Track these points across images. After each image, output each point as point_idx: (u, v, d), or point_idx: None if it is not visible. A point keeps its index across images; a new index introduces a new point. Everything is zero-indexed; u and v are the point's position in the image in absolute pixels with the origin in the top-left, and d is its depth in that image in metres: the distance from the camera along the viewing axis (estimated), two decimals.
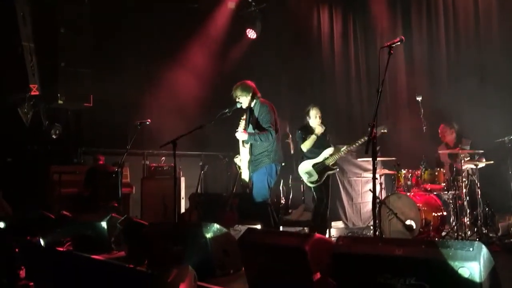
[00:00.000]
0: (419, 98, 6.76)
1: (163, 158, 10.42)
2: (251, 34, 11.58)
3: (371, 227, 6.69)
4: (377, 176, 6.98)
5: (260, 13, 11.45)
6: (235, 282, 3.97)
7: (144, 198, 9.72)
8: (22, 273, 5.88)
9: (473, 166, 6.58)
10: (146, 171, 10.68)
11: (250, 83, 5.93)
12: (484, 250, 2.49)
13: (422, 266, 2.61)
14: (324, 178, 6.65)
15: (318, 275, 3.19)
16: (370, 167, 5.74)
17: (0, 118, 8.90)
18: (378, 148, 5.60)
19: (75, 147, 10.28)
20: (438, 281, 2.55)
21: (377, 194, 5.99)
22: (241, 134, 5.77)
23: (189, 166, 10.73)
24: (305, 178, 6.83)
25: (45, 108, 9.49)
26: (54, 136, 9.53)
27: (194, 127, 5.78)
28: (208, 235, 4.09)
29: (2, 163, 8.93)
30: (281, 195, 9.84)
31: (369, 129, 4.10)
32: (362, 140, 6.25)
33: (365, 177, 8.95)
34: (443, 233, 6.66)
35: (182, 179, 10.11)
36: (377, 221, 6.26)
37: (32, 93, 8.98)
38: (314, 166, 6.68)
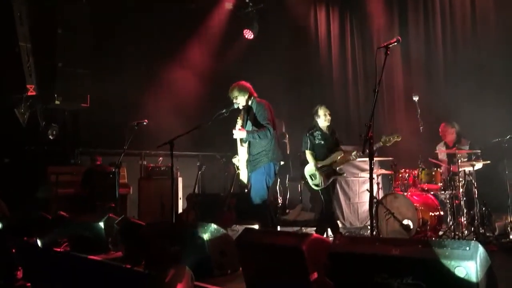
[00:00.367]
0: (416, 98, 6.77)
1: (160, 158, 10.40)
2: (249, 34, 11.57)
3: (368, 227, 6.69)
4: (374, 176, 7.02)
5: (257, 14, 11.44)
6: (233, 282, 3.98)
7: (142, 199, 9.70)
8: (20, 273, 5.88)
9: (471, 168, 6.59)
10: (144, 172, 10.66)
11: (246, 83, 5.94)
12: (481, 249, 2.50)
13: (419, 266, 2.62)
14: (329, 182, 6.46)
15: (315, 275, 3.19)
16: (367, 167, 5.75)
17: None
18: (375, 148, 5.62)
19: (72, 147, 10.26)
20: (435, 280, 2.56)
21: (374, 194, 6.01)
22: (239, 132, 5.75)
23: (187, 167, 10.71)
24: (309, 180, 6.70)
25: (42, 108, 9.47)
26: (51, 137, 9.51)
27: (192, 128, 5.78)
28: (206, 235, 4.10)
29: None
30: (278, 195, 9.84)
31: (375, 130, 4.10)
32: (377, 145, 6.11)
33: (362, 177, 8.95)
34: (440, 233, 6.67)
35: (180, 180, 10.10)
36: (374, 221, 6.28)
37: (29, 94, 8.96)
38: (320, 168, 6.50)
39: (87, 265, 5.30)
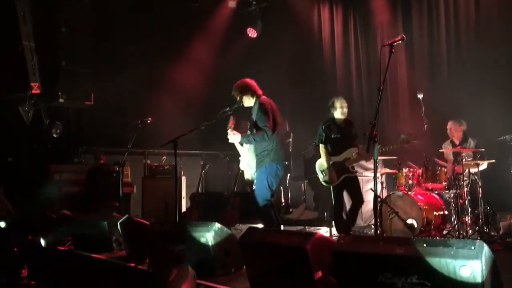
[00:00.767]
0: (420, 96, 6.73)
1: (164, 157, 10.41)
2: (252, 33, 11.56)
3: (372, 226, 6.70)
4: (378, 175, 7.00)
5: (260, 12, 11.43)
6: (236, 281, 3.96)
7: (145, 198, 9.71)
8: (24, 272, 5.90)
9: (475, 169, 6.55)
10: (147, 170, 10.68)
11: (250, 81, 5.86)
12: (486, 248, 2.48)
13: (423, 265, 2.60)
14: (339, 180, 6.28)
15: (319, 274, 3.18)
16: (371, 166, 5.72)
17: (1, 116, 8.89)
18: (379, 146, 5.59)
19: (76, 146, 10.28)
20: (439, 279, 2.55)
21: (378, 193, 5.99)
22: (233, 136, 5.68)
23: (190, 165, 10.73)
24: (320, 175, 6.55)
25: (46, 106, 9.49)
26: (55, 135, 9.53)
27: (195, 126, 5.77)
28: (209, 235, 4.09)
29: (2, 162, 8.94)
30: (281, 194, 9.85)
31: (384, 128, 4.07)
32: (394, 146, 6.03)
33: (366, 176, 8.93)
34: (444, 232, 6.65)
35: (183, 178, 10.12)
36: (378, 220, 6.26)
37: (33, 92, 8.98)
38: (332, 165, 6.33)
39: (91, 264, 5.32)
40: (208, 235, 4.09)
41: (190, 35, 11.59)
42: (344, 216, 6.59)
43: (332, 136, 6.39)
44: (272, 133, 5.56)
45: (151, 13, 11.06)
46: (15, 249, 6.04)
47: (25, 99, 9.05)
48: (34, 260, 6.14)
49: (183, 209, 9.71)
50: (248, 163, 5.91)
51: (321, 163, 6.49)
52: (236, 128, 5.78)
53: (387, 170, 7.55)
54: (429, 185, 6.81)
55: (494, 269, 2.54)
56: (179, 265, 3.69)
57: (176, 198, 5.82)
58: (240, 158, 6.12)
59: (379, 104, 4.10)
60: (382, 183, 7.42)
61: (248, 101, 5.84)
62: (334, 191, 6.43)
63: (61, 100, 9.28)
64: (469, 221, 6.40)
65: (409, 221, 6.32)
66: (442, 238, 5.08)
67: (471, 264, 2.44)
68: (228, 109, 5.75)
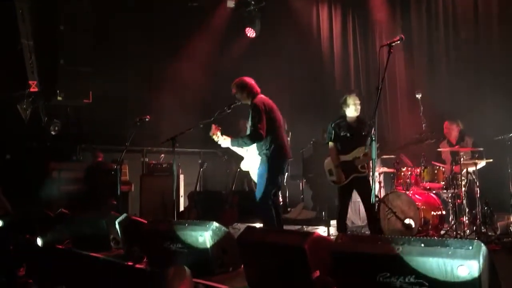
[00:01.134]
0: (418, 96, 6.73)
1: (162, 155, 10.41)
2: (250, 33, 11.56)
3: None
4: (376, 174, 7.00)
5: (259, 12, 11.43)
6: (234, 280, 3.97)
7: (143, 196, 9.70)
8: (22, 270, 5.90)
9: (474, 168, 6.56)
10: (145, 169, 10.67)
11: (247, 80, 5.81)
12: (483, 248, 2.49)
13: (421, 265, 2.61)
14: (348, 180, 6.07)
15: (317, 274, 3.19)
16: (369, 165, 5.70)
17: None
18: (377, 145, 5.58)
19: (74, 144, 10.27)
20: (437, 279, 2.55)
21: (376, 193, 6.00)
22: (223, 142, 5.69)
23: (188, 164, 10.72)
24: (327, 175, 6.41)
25: (44, 104, 9.48)
26: (53, 133, 9.53)
27: (193, 125, 5.77)
28: (207, 234, 4.09)
29: (1, 160, 8.93)
30: (279, 194, 9.84)
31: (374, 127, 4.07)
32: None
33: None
34: (442, 232, 6.66)
35: (181, 177, 10.10)
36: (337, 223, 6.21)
37: (31, 90, 8.97)
38: (340, 164, 6.16)
39: (89, 263, 5.32)
40: (206, 234, 4.09)
41: (188, 34, 11.58)
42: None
43: (342, 134, 6.21)
44: (262, 133, 5.48)
45: (151, 12, 11.05)
46: (11, 247, 6.03)
47: (23, 97, 9.05)
48: (32, 259, 6.13)
49: (181, 207, 9.70)
50: (249, 163, 5.90)
51: (329, 161, 6.38)
52: (235, 127, 5.77)
53: (385, 169, 7.56)
54: (427, 185, 6.81)
55: (492, 269, 2.55)
56: (176, 265, 3.69)
57: (174, 197, 5.83)
58: (244, 158, 6.08)
59: (377, 103, 4.11)
60: (380, 182, 7.41)
61: (245, 100, 5.80)
62: (340, 191, 6.28)
63: (59, 98, 9.29)
64: (467, 221, 6.41)
65: (407, 221, 6.32)
66: (440, 238, 5.10)
67: (469, 264, 2.45)
68: (226, 107, 5.75)
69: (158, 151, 10.64)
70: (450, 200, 6.68)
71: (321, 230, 7.92)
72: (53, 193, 8.69)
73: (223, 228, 4.26)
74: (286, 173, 9.99)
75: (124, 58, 10.46)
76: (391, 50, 4.09)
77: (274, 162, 5.60)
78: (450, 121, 7.40)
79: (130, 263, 4.74)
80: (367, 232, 7.49)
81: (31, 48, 9.00)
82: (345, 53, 11.29)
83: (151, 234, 4.66)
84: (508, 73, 7.96)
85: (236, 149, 5.89)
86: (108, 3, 10.11)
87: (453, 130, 7.35)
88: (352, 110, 6.18)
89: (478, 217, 6.27)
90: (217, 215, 8.37)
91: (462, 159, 6.42)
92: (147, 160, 10.99)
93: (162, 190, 9.25)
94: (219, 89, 10.66)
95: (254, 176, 5.83)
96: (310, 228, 8.38)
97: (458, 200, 6.50)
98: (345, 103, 6.22)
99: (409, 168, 6.96)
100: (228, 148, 5.88)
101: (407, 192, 6.59)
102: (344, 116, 6.29)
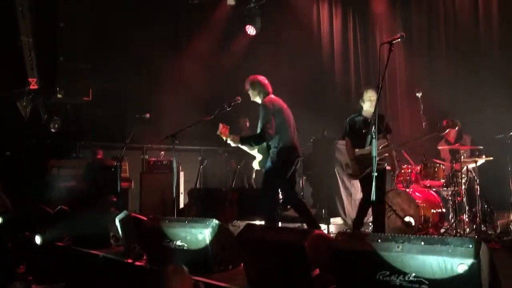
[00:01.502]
0: (419, 94, 6.72)
1: (162, 152, 10.40)
2: (251, 30, 11.55)
3: (370, 224, 6.69)
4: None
5: (259, 9, 11.41)
6: (234, 278, 3.96)
7: (143, 193, 9.69)
8: (22, 268, 5.89)
9: (473, 165, 6.55)
10: (145, 166, 10.66)
11: (261, 79, 5.86)
12: (483, 247, 2.49)
13: (421, 263, 2.61)
14: (364, 173, 5.88)
15: (317, 271, 3.18)
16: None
17: None
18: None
19: (74, 141, 10.26)
20: (437, 277, 2.55)
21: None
22: (232, 142, 5.71)
23: (188, 161, 10.69)
24: (344, 169, 6.33)
25: (44, 102, 9.47)
26: (53, 130, 9.51)
27: (193, 122, 5.76)
28: (207, 231, 4.08)
29: (1, 157, 8.92)
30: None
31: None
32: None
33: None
34: (442, 230, 6.65)
35: (181, 174, 10.09)
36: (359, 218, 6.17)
37: (31, 87, 8.96)
38: (356, 157, 6.02)
39: (88, 260, 5.31)
40: (206, 232, 4.09)
41: (188, 31, 11.57)
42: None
43: (357, 128, 6.11)
44: (271, 133, 5.54)
45: (151, 9, 11.02)
46: (9, 245, 6.03)
47: (23, 94, 9.04)
48: (31, 256, 6.13)
49: (181, 205, 9.69)
50: (258, 161, 5.91)
51: (346, 156, 6.29)
52: (235, 125, 5.76)
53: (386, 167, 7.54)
54: (427, 182, 6.81)
55: (492, 268, 2.55)
56: (175, 263, 3.69)
57: (174, 194, 5.83)
58: (256, 157, 6.07)
59: (377, 101, 4.11)
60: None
61: (256, 97, 5.86)
62: (360, 185, 6.19)
63: (59, 95, 9.28)
64: (467, 219, 6.41)
65: (407, 218, 6.32)
66: (440, 236, 5.08)
67: (469, 262, 2.44)
68: (226, 105, 5.75)
69: (158, 148, 10.63)
70: (450, 198, 6.68)
71: (321, 228, 7.90)
72: (52, 190, 8.68)
73: (223, 225, 4.25)
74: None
75: (124, 55, 10.43)
76: (392, 48, 4.07)
77: (281, 159, 5.61)
78: (447, 121, 7.37)
79: (129, 261, 4.74)
80: (367, 230, 7.50)
81: (30, 45, 8.98)
82: (346, 51, 11.30)
83: (151, 231, 4.66)
84: (508, 72, 7.95)
85: (247, 148, 5.89)
86: (108, 0, 10.08)
87: (451, 130, 7.32)
88: (368, 105, 6.08)
89: (478, 215, 6.26)
90: (217, 213, 8.36)
91: (462, 157, 6.41)
92: (147, 157, 10.98)
93: (162, 187, 9.23)
94: (219, 86, 10.66)
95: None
96: None
97: (458, 198, 6.49)
98: (361, 98, 6.14)
99: (409, 166, 6.95)
100: (228, 146, 5.88)
101: (407, 190, 6.58)
102: (361, 110, 6.22)
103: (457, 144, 6.78)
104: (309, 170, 9.76)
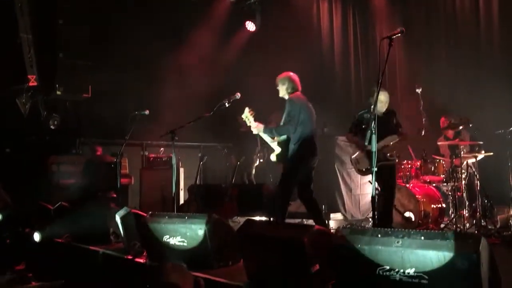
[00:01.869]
0: (418, 90, 6.71)
1: (162, 148, 10.39)
2: (251, 26, 11.54)
3: (370, 219, 6.70)
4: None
5: (259, 5, 11.39)
6: (234, 273, 3.96)
7: (143, 189, 9.70)
8: (22, 264, 5.90)
9: (473, 160, 6.55)
10: (145, 162, 10.66)
11: (293, 76, 6.03)
12: (483, 242, 2.48)
13: (421, 258, 2.61)
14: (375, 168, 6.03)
15: (317, 267, 3.18)
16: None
17: None
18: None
19: (74, 137, 10.25)
20: (437, 272, 2.55)
21: (376, 186, 5.95)
22: (256, 128, 5.86)
23: (188, 157, 10.69)
24: (354, 165, 6.42)
25: (43, 98, 9.45)
26: (52, 127, 9.50)
27: (193, 118, 5.76)
28: (207, 227, 4.08)
29: (0, 154, 8.92)
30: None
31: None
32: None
33: None
34: (442, 225, 6.66)
35: (181, 170, 10.09)
36: (376, 213, 6.17)
37: (30, 84, 8.95)
38: (367, 153, 5.93)
39: (88, 256, 5.31)
40: (206, 228, 4.09)
41: (188, 27, 11.54)
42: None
43: (364, 124, 6.11)
44: (293, 127, 5.69)
45: (151, 4, 11.00)
46: (7, 241, 6.03)
47: (22, 91, 9.02)
48: (31, 253, 6.13)
49: (181, 201, 9.69)
50: (276, 153, 5.95)
51: (355, 152, 6.42)
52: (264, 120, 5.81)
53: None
54: (427, 178, 6.81)
55: (492, 263, 2.54)
56: (174, 262, 3.69)
57: (174, 190, 5.83)
58: (275, 150, 6.08)
59: (377, 97, 4.10)
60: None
61: (284, 93, 6.00)
62: (376, 179, 6.21)
63: (58, 92, 9.26)
64: (467, 214, 6.41)
65: (407, 214, 6.33)
66: (440, 231, 5.07)
67: (468, 257, 2.44)
68: (225, 101, 5.76)
69: (158, 144, 10.62)
70: (450, 193, 6.68)
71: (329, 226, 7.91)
72: (51, 186, 8.68)
73: (223, 221, 4.25)
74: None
75: (124, 52, 10.41)
76: (392, 43, 4.06)
77: (298, 155, 5.74)
78: (446, 117, 7.38)
79: (129, 257, 4.74)
80: (367, 226, 7.50)
81: (30, 42, 8.96)
82: (345, 46, 11.26)
83: (151, 228, 4.65)
84: (508, 67, 7.94)
85: (268, 139, 5.94)
86: None
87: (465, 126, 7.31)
88: (378, 105, 5.92)
89: (478, 210, 6.27)
90: (217, 208, 8.36)
91: (462, 152, 6.41)
92: (146, 153, 10.98)
93: (162, 183, 9.24)
94: (219, 82, 10.63)
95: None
96: (309, 222, 8.37)
97: (458, 193, 6.50)
98: (372, 96, 5.85)
99: (409, 161, 6.95)
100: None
101: (407, 185, 6.58)
102: (370, 107, 6.13)
103: (456, 140, 6.78)
104: None
